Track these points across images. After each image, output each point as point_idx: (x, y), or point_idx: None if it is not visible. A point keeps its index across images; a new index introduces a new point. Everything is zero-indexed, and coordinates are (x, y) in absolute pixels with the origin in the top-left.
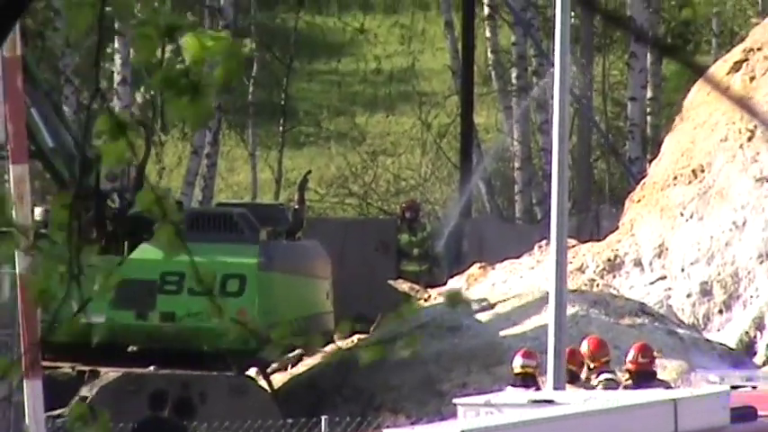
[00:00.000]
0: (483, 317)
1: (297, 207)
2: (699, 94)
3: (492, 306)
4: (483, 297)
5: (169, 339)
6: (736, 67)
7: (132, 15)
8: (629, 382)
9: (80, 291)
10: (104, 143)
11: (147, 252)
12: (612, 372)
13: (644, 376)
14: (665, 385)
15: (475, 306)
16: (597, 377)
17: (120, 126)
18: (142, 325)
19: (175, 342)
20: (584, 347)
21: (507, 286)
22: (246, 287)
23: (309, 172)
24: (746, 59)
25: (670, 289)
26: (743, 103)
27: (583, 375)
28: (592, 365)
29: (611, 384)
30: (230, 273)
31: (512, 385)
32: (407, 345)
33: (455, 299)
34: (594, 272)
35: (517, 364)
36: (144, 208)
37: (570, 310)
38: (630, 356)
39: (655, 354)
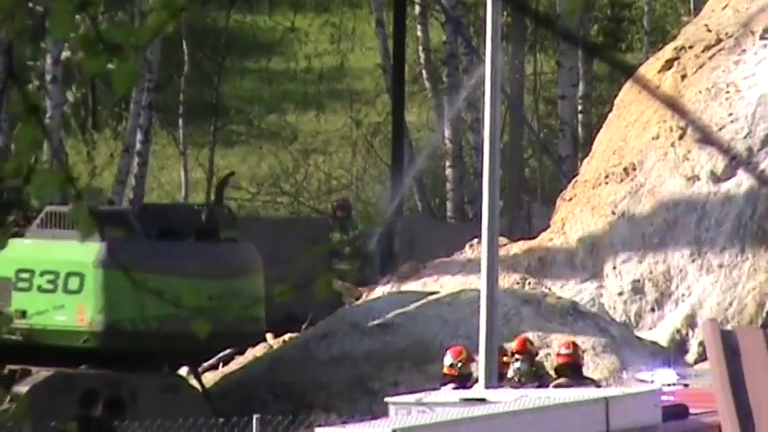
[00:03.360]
0: (415, 315)
1: (212, 208)
2: (630, 92)
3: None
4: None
5: (23, 336)
6: (668, 65)
7: None
8: (560, 378)
9: None
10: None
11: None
12: (531, 364)
13: (572, 369)
14: (594, 384)
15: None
16: (516, 366)
17: (33, 108)
18: None
19: (29, 339)
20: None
21: (438, 284)
22: (85, 285)
23: (232, 173)
24: (678, 58)
25: (602, 287)
26: (671, 103)
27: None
28: (515, 357)
29: (525, 373)
30: (72, 271)
31: (443, 384)
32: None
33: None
34: (526, 270)
35: (447, 362)
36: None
37: (502, 309)
38: (558, 351)
39: (581, 351)
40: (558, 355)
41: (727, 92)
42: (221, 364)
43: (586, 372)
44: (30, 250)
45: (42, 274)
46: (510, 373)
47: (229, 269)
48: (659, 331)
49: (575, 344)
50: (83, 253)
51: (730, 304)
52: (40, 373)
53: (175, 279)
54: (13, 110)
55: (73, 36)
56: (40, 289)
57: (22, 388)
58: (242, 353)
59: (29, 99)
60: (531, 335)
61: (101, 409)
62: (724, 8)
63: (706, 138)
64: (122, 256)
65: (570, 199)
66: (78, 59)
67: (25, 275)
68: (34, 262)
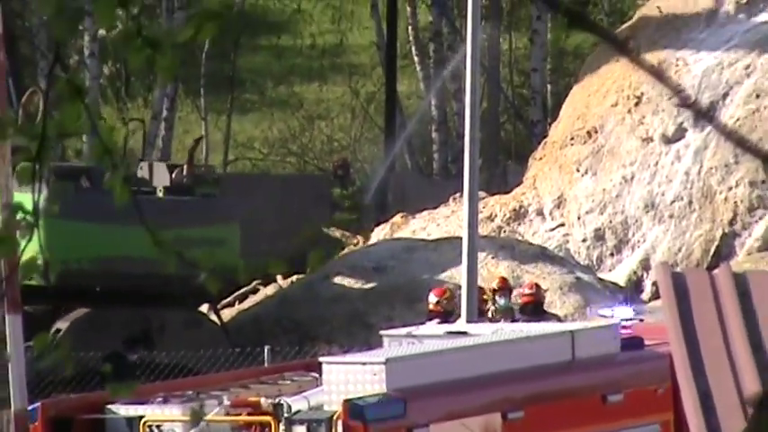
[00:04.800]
0: (405, 259)
1: (182, 168)
2: (593, 65)
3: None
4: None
5: None
6: (625, 42)
7: None
8: (523, 315)
9: None
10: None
11: None
12: (510, 299)
13: (533, 307)
14: (557, 319)
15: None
16: (496, 301)
17: (77, 90)
18: None
19: None
20: (493, 284)
21: (426, 232)
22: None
23: (201, 138)
24: (633, 36)
25: (568, 235)
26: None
27: (490, 311)
28: (496, 294)
29: (507, 311)
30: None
31: (429, 319)
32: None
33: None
34: (502, 220)
35: (432, 300)
36: (96, 158)
37: (480, 254)
38: (522, 292)
39: (543, 291)
40: (523, 295)
41: (677, 65)
42: (237, 302)
43: (555, 309)
44: None
45: None
46: (492, 309)
47: (190, 220)
48: (618, 273)
49: (537, 285)
50: (27, 201)
51: (679, 249)
52: (80, 310)
53: (118, 227)
54: (60, 90)
55: (115, 32)
56: None
57: (62, 324)
58: (255, 292)
59: (74, 81)
60: (505, 276)
61: (134, 342)
62: None
63: (685, 101)
64: (62, 205)
65: (540, 158)
66: (112, 37)
67: None
68: None
